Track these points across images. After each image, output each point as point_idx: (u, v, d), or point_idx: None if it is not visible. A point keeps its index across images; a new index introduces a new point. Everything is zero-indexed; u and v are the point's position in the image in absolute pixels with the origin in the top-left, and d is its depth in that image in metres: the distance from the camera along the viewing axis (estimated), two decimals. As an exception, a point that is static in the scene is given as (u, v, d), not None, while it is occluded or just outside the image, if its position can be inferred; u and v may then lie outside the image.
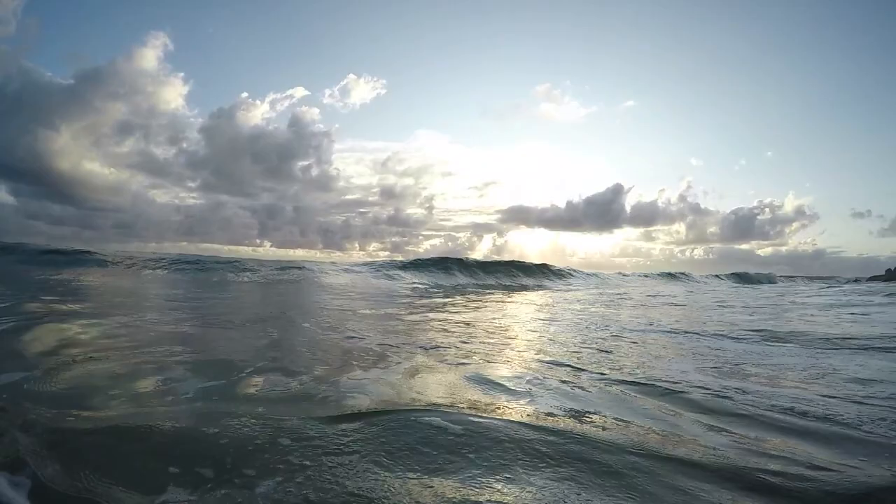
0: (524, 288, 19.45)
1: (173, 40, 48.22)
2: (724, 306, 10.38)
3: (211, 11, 61.27)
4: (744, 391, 3.04)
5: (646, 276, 35.07)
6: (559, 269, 28.69)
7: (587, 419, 2.44)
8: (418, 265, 23.51)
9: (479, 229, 46.42)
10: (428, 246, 43.79)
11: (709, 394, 2.96)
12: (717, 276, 40.52)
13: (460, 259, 25.92)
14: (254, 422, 2.24)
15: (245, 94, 51.88)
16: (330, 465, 1.84)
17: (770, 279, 41.19)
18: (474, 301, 10.82)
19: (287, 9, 65.33)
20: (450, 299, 11.11)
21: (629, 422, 2.42)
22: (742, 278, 39.88)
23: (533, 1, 71.17)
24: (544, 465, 1.89)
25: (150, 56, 44.03)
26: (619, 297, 13.79)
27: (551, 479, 1.77)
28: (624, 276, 33.60)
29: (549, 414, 2.50)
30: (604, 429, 2.30)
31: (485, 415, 2.44)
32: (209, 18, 60.50)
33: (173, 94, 47.03)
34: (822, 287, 24.55)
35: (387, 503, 1.58)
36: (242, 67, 63.92)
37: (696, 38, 70.71)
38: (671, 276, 36.12)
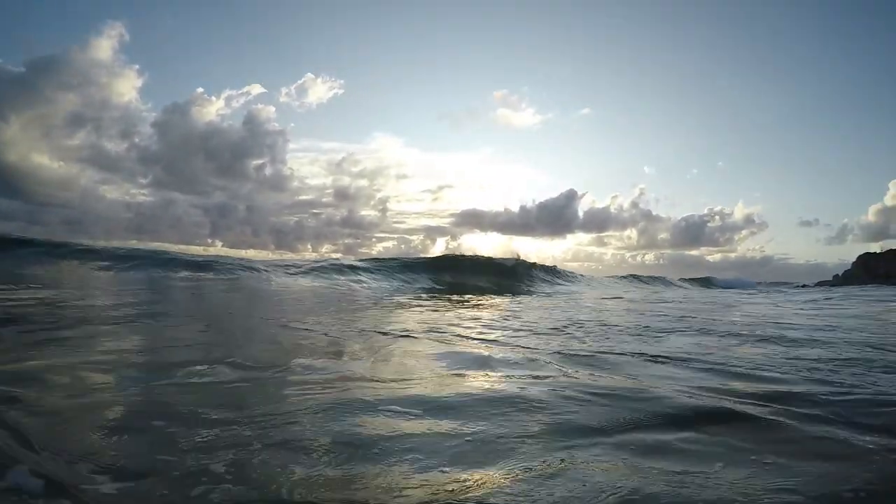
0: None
1: (129, 31, 46.90)
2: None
3: (169, 3, 60.07)
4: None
5: (622, 279, 36.32)
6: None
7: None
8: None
9: (433, 232, 47.85)
10: (381, 248, 44.84)
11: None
12: (689, 279, 42.50)
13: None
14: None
15: (200, 90, 51.19)
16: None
17: (749, 284, 43.23)
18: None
19: (247, 4, 64.64)
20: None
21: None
22: (716, 282, 41.99)
23: (493, 7, 73.33)
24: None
25: (105, 46, 42.66)
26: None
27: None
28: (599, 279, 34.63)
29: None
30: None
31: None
32: (167, 10, 59.39)
33: (127, 87, 46.22)
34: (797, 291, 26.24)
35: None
36: (199, 62, 63.41)
37: (652, 50, 75.61)
38: (653, 279, 37.65)
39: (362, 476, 1.67)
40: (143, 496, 1.49)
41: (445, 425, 2.17)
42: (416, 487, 1.59)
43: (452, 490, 1.58)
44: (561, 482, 1.64)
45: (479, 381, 2.99)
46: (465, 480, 1.65)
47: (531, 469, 1.75)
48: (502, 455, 1.86)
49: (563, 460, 1.83)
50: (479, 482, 1.64)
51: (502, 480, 1.66)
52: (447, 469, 1.74)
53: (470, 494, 1.55)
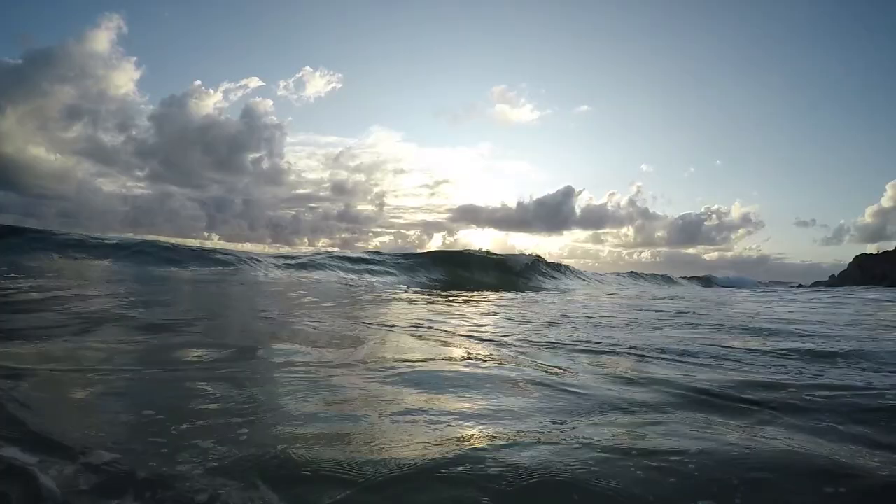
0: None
1: (127, 23, 46.88)
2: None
3: (167, -5, 59.78)
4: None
5: (623, 276, 36.46)
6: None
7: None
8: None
9: (430, 227, 48.09)
10: (378, 243, 45.08)
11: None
12: (693, 277, 42.72)
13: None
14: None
15: (198, 82, 51.11)
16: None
17: (749, 282, 43.29)
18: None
19: (245, -4, 64.36)
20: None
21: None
22: (716, 281, 42.20)
23: (493, 3, 73.38)
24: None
25: (102, 39, 42.77)
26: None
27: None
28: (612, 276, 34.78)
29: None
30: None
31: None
32: (165, 3, 59.52)
33: (124, 80, 46.38)
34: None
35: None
36: (197, 54, 63.45)
37: (651, 49, 76.16)
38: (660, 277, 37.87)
39: (346, 437, 1.82)
40: (135, 463, 1.57)
41: (420, 400, 2.35)
42: (403, 445, 1.74)
43: (434, 449, 1.71)
44: (534, 449, 1.76)
45: (460, 371, 3.09)
46: (439, 443, 1.79)
47: (504, 439, 1.87)
48: (478, 427, 2.00)
49: (539, 433, 1.94)
50: (454, 446, 1.77)
51: (478, 444, 1.80)
52: (425, 434, 1.88)
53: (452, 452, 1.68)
